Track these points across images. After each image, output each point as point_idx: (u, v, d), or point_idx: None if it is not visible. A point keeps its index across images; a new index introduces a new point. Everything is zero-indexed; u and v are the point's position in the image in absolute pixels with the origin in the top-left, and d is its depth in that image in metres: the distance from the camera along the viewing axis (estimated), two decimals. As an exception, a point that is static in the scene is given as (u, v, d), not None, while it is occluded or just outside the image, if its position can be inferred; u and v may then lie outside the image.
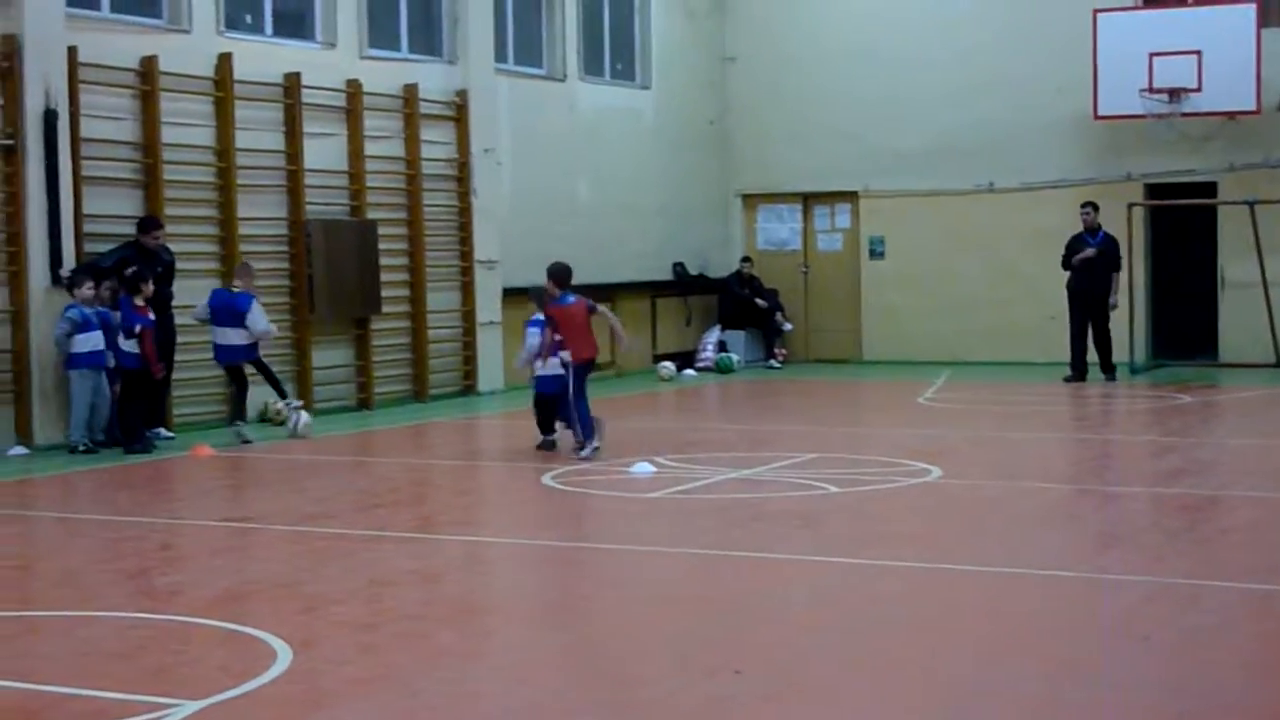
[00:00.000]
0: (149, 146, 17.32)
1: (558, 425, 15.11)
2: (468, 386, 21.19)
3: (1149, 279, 23.92)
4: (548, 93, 23.16)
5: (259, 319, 16.39)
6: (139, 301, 15.73)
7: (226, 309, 16.38)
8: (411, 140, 20.39)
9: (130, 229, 16.77)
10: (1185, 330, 24.31)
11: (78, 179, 16.46)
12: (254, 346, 16.54)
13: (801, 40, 25.95)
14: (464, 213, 21.25)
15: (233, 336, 16.39)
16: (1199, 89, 22.45)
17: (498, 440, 16.87)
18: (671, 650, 7.75)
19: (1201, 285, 23.91)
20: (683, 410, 20.71)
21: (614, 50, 24.83)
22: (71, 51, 16.46)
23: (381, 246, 19.77)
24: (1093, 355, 21.45)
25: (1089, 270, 21.32)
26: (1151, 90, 22.65)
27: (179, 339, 16.96)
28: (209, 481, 14.23)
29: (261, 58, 18.56)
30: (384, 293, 19.85)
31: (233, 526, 11.78)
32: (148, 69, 17.33)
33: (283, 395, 17.07)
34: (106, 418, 15.92)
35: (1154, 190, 23.87)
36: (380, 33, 20.44)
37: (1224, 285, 23.48)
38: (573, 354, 14.62)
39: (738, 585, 9.42)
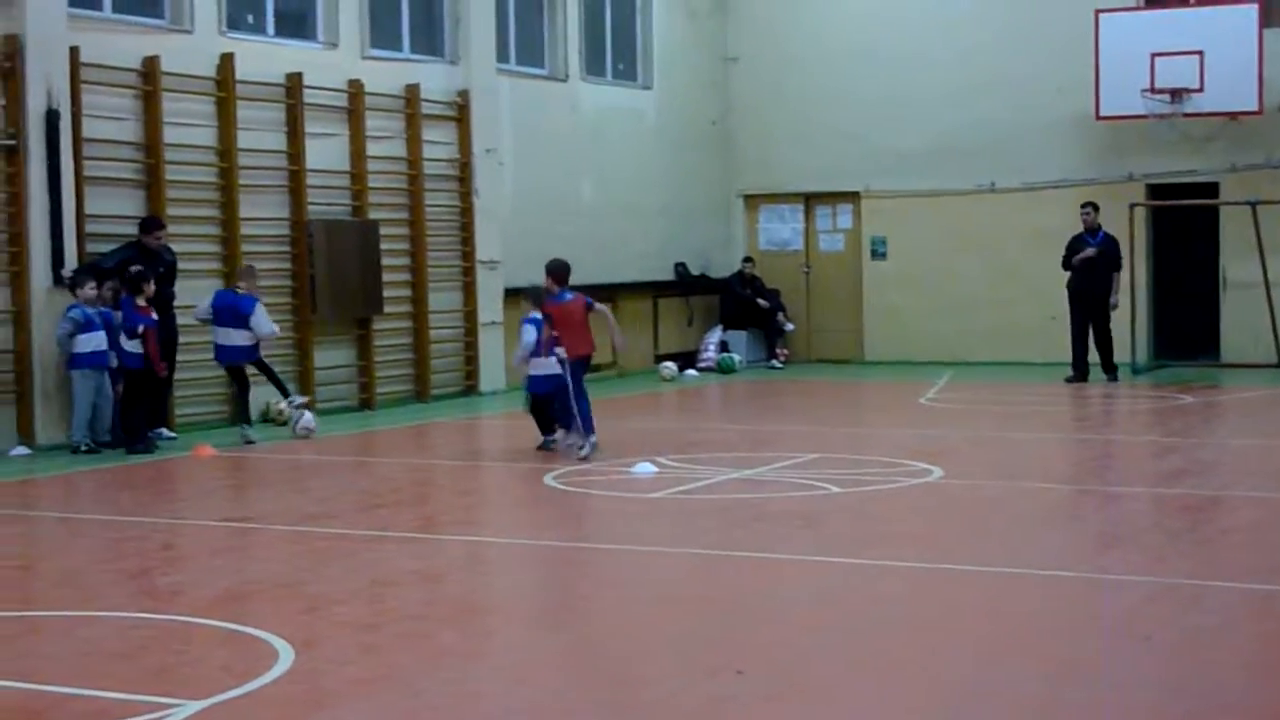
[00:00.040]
0: (151, 147, 17.32)
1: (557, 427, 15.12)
2: (469, 387, 21.19)
3: (1151, 279, 23.92)
4: (549, 93, 23.16)
5: (263, 322, 16.42)
6: (141, 301, 15.74)
7: (230, 310, 16.39)
8: (413, 140, 20.40)
9: (132, 229, 16.78)
10: (1187, 330, 24.30)
11: (80, 179, 16.47)
12: (255, 347, 16.55)
13: (803, 40, 25.95)
14: (466, 213, 21.26)
15: (235, 337, 16.40)
16: (1201, 89, 22.45)
17: (499, 440, 16.86)
18: (673, 650, 7.76)
19: (1203, 285, 23.91)
20: (684, 410, 20.71)
21: (616, 50, 24.83)
22: (73, 51, 16.47)
23: (383, 247, 19.77)
24: (1094, 355, 21.44)
25: (1089, 270, 21.32)
26: (1153, 90, 22.65)
27: (181, 339, 16.95)
28: (211, 481, 14.24)
29: (263, 58, 18.56)
30: (386, 293, 19.85)
31: (234, 526, 11.78)
32: (150, 69, 17.34)
33: (285, 394, 17.08)
34: (110, 418, 15.93)
35: (1156, 190, 23.87)
36: (382, 33, 20.44)
37: (1226, 286, 23.47)
38: (568, 350, 14.64)
39: (739, 585, 9.42)
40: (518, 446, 15.27)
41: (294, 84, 18.84)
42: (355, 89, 19.59)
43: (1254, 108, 22.45)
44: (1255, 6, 22.37)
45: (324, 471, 15.10)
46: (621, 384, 22.74)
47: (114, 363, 15.79)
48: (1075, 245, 21.53)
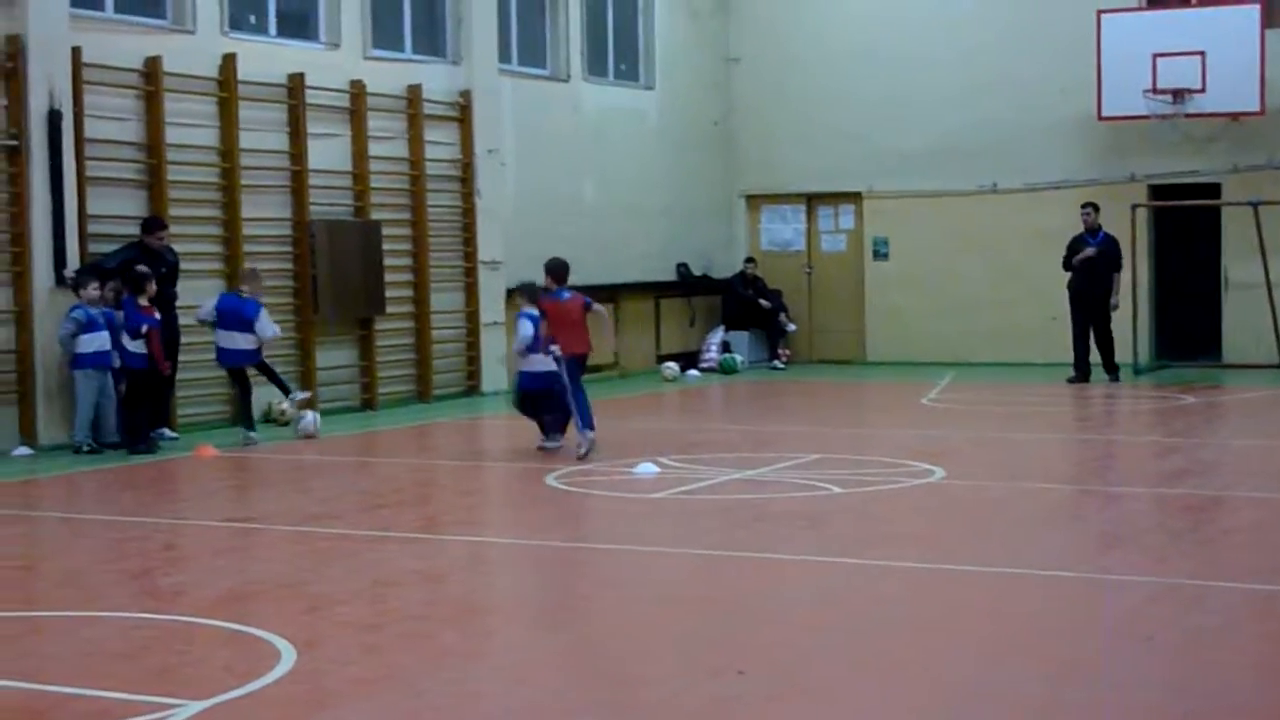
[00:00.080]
0: (153, 147, 17.33)
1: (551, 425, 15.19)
2: (471, 387, 21.19)
3: (1153, 280, 23.92)
4: (551, 93, 23.17)
5: (267, 326, 16.46)
6: (143, 301, 15.75)
7: (234, 314, 16.40)
8: (415, 141, 20.40)
9: (134, 229, 16.78)
10: (1189, 331, 24.30)
11: (82, 179, 16.47)
12: (258, 350, 16.57)
13: (805, 41, 25.95)
14: (468, 213, 21.26)
15: (239, 341, 16.41)
16: (1203, 90, 22.45)
17: (501, 441, 16.86)
18: (675, 651, 7.76)
19: (1205, 286, 23.90)
20: (686, 411, 20.71)
21: (618, 51, 24.84)
22: (76, 52, 16.47)
23: (385, 247, 19.77)
24: (1096, 356, 21.44)
25: (1090, 271, 21.31)
26: (1155, 91, 22.65)
27: (183, 339, 16.95)
28: (213, 482, 14.24)
29: (265, 58, 18.57)
30: (388, 293, 19.86)
31: (236, 527, 11.79)
32: (152, 69, 17.34)
33: (286, 392, 17.07)
34: (113, 419, 15.93)
35: (1157, 191, 23.86)
36: (384, 33, 20.45)
37: (1227, 286, 23.47)
38: (564, 349, 14.66)
39: (741, 586, 9.42)
40: (519, 447, 15.28)
41: (296, 84, 18.84)
42: (357, 89, 19.60)
43: (1256, 108, 22.45)
44: (1257, 7, 22.36)
45: (326, 472, 15.11)
46: (623, 384, 22.75)
47: (116, 363, 15.80)
48: (1075, 246, 21.53)
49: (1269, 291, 22.24)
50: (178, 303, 16.84)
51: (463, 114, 21.14)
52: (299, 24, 19.70)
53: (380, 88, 19.91)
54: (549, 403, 15.06)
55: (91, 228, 16.64)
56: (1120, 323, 21.69)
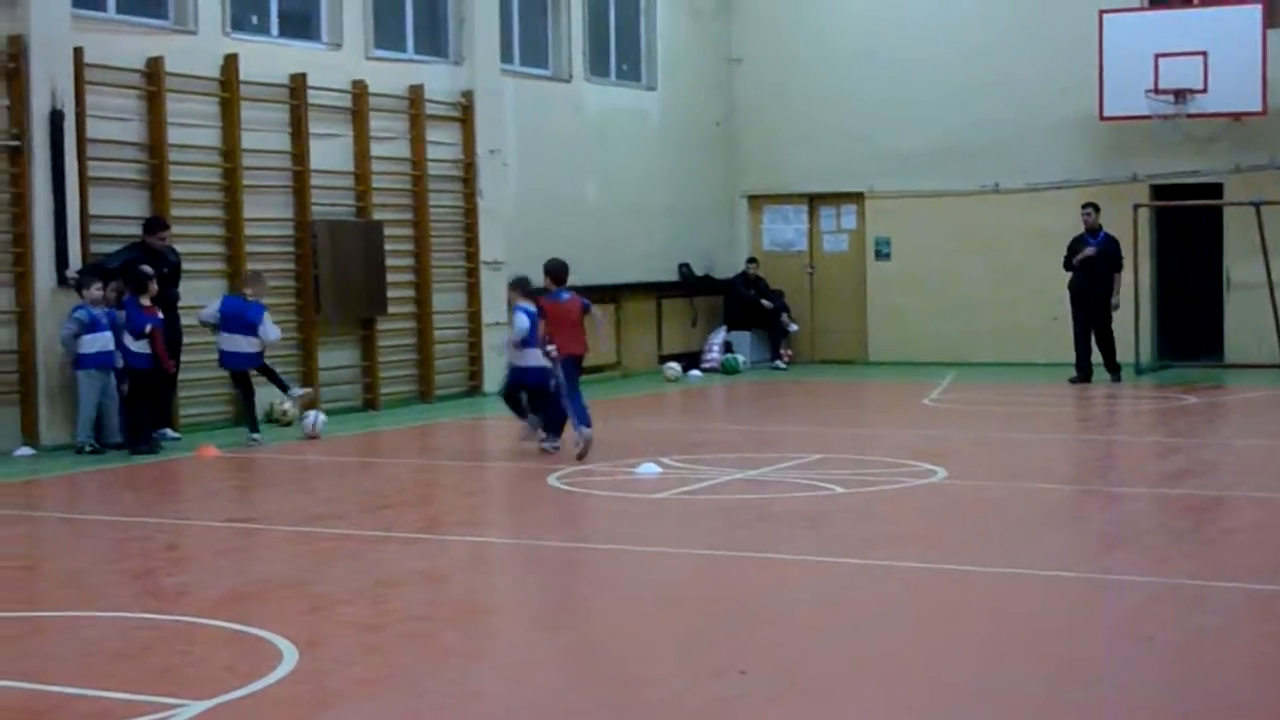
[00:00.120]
0: (155, 147, 17.34)
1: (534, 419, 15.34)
2: (473, 387, 21.19)
3: (1154, 280, 23.92)
4: (553, 93, 23.17)
5: (269, 329, 16.49)
6: (145, 301, 15.76)
7: (238, 317, 16.40)
8: (417, 141, 20.41)
9: (136, 230, 16.79)
10: (1190, 331, 24.29)
11: (84, 180, 16.48)
12: (260, 353, 16.57)
13: (807, 41, 25.96)
14: (470, 214, 21.27)
15: (242, 344, 16.41)
16: (1204, 90, 22.46)
17: (503, 441, 16.84)
18: (677, 651, 7.76)
19: (1207, 286, 23.91)
20: (688, 411, 20.71)
21: (620, 51, 24.85)
22: (77, 52, 16.48)
23: (387, 247, 19.78)
24: (1098, 356, 21.44)
25: (1090, 271, 21.31)
26: (1157, 91, 22.65)
27: (185, 339, 16.96)
28: (215, 482, 14.25)
29: (267, 58, 18.58)
30: (390, 293, 19.87)
31: (238, 527, 11.79)
32: (154, 70, 17.35)
33: (284, 389, 17.04)
34: (116, 419, 15.93)
35: (1159, 191, 23.87)
36: (386, 33, 20.45)
37: (1229, 286, 23.47)
38: (560, 349, 14.73)
39: (743, 586, 9.42)
40: (521, 447, 15.28)
41: (298, 85, 18.85)
42: (359, 89, 19.60)
43: (1258, 108, 22.45)
44: (1259, 7, 22.36)
45: (328, 472, 15.11)
46: (625, 384, 22.75)
47: (120, 363, 15.81)
48: (1076, 246, 21.53)
49: (1271, 291, 22.24)
50: (180, 303, 16.85)
51: (464, 114, 21.15)
52: (301, 24, 19.70)
53: (382, 88, 19.92)
54: (538, 398, 15.16)
55: (93, 228, 16.65)
56: (1122, 323, 21.69)
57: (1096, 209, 21.61)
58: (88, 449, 15.55)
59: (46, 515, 12.95)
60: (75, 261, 16.17)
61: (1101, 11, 23.17)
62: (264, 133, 18.52)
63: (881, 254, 25.83)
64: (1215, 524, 11.44)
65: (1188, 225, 24.36)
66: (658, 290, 25.02)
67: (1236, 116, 22.81)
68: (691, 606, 8.92)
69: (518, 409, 15.39)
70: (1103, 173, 23.97)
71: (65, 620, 8.76)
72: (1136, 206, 22.64)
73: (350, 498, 13.13)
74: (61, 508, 13.39)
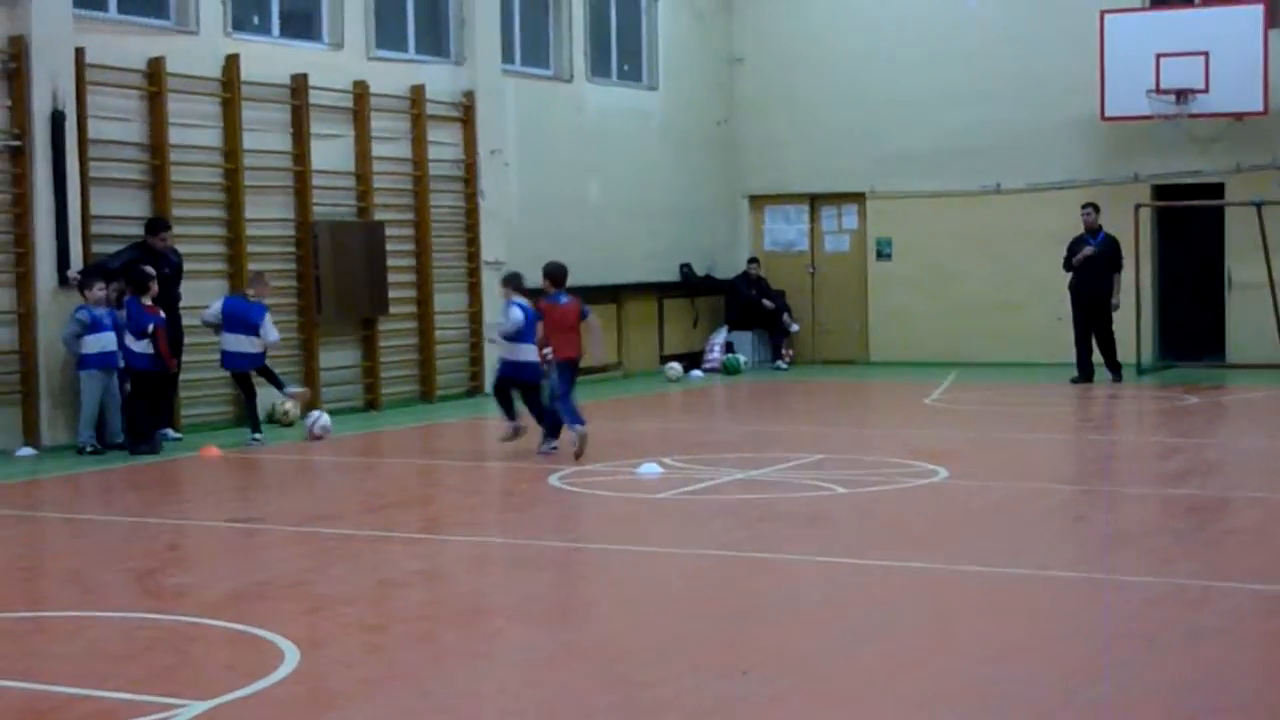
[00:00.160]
0: (156, 148, 17.34)
1: (522, 416, 15.41)
2: (475, 387, 21.19)
3: (1156, 280, 23.92)
4: (555, 94, 23.17)
5: (270, 330, 16.51)
6: (147, 301, 15.77)
7: (240, 318, 16.41)
8: (418, 141, 20.41)
9: (137, 230, 16.79)
10: (1192, 331, 24.29)
11: (85, 180, 16.48)
12: (262, 354, 16.58)
13: (809, 41, 25.96)
14: (471, 214, 21.27)
15: (244, 344, 16.42)
16: (1206, 90, 22.46)
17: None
18: (679, 651, 7.75)
19: (1208, 286, 23.91)
20: (690, 411, 20.70)
21: (621, 51, 24.84)
22: (79, 53, 16.48)
23: (389, 248, 19.78)
24: (1099, 356, 21.43)
25: (1090, 271, 21.31)
26: (1159, 91, 22.65)
27: (187, 340, 16.96)
28: (216, 482, 14.25)
29: (268, 59, 18.58)
30: (391, 294, 19.87)
31: (240, 527, 11.79)
32: (155, 70, 17.35)
33: (280, 386, 17.02)
34: (118, 419, 15.93)
35: (1161, 191, 23.87)
36: (387, 34, 20.45)
37: (1231, 286, 23.46)
38: (555, 352, 14.83)
39: (745, 586, 9.42)
40: (523, 447, 15.28)
41: (299, 85, 18.85)
42: (360, 90, 19.60)
43: (1259, 108, 22.45)
44: (1260, 7, 22.36)
45: (330, 472, 15.12)
46: (627, 385, 22.76)
47: (121, 363, 15.81)
48: (1076, 246, 21.54)
49: (1272, 291, 22.23)
50: (181, 303, 16.85)
51: (466, 114, 21.15)
52: (302, 24, 19.70)
53: (383, 88, 19.92)
54: (529, 395, 15.30)
55: (95, 228, 16.66)
56: (1124, 323, 21.68)
57: (1096, 209, 21.60)
58: (89, 449, 15.55)
59: (48, 515, 12.95)
60: (76, 262, 16.18)
61: (1103, 11, 23.17)
62: (265, 133, 18.53)
63: (883, 254, 25.83)
64: (1218, 524, 11.43)
65: (1189, 225, 24.36)
66: (659, 290, 25.02)
67: (1238, 116, 22.81)
68: (693, 607, 8.91)
69: (507, 406, 15.42)
70: (1104, 173, 23.96)
71: (67, 620, 8.76)
72: (1138, 206, 22.64)
73: (352, 498, 13.13)
74: (63, 508, 13.38)
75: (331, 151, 19.26)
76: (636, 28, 25.16)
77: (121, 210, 17.02)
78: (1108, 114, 23.28)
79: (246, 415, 16.73)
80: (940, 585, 9.28)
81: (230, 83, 18.06)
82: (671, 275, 25.37)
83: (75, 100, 16.34)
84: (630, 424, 17.98)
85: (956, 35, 24.85)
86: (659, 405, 20.85)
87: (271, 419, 17.68)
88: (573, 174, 23.33)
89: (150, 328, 15.68)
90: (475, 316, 21.22)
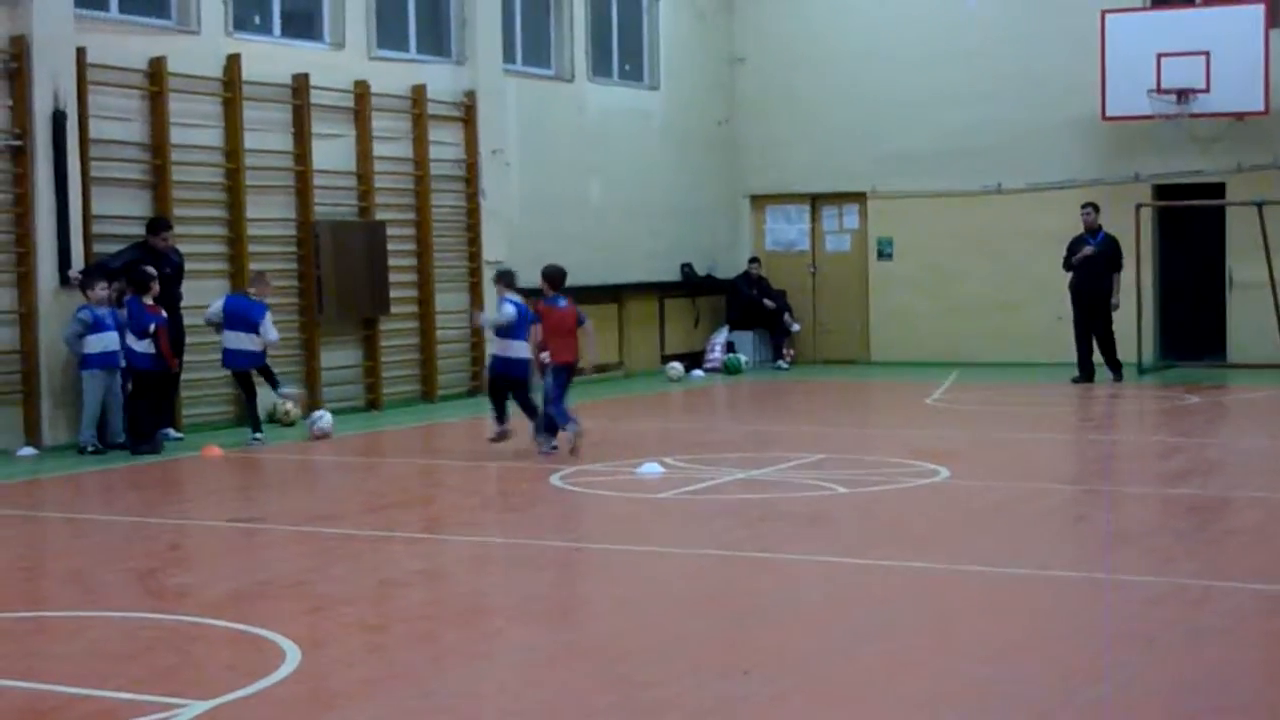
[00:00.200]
0: (157, 147, 17.34)
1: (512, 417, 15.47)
2: (475, 387, 21.17)
3: (1157, 279, 23.92)
4: (556, 93, 23.18)
5: (269, 329, 16.50)
6: (148, 301, 15.77)
7: (241, 315, 16.42)
8: (420, 141, 20.41)
9: (139, 230, 16.80)
10: (1193, 331, 24.30)
11: (86, 180, 16.48)
12: (262, 353, 16.58)
13: (810, 41, 25.97)
14: (472, 214, 21.27)
15: (245, 342, 16.43)
16: (1207, 90, 22.46)
17: (506, 441, 16.83)
18: (680, 651, 7.75)
19: (1209, 286, 23.91)
20: (691, 411, 20.70)
21: (622, 51, 24.85)
22: (80, 52, 16.49)
23: (390, 247, 19.79)
24: (1099, 356, 21.44)
25: (1090, 270, 21.31)
26: (1160, 91, 22.65)
27: (188, 339, 16.96)
28: (218, 482, 14.25)
29: (270, 59, 18.58)
30: (392, 293, 19.88)
31: (241, 527, 11.79)
32: (156, 70, 17.35)
33: (275, 385, 17.00)
34: (119, 419, 15.93)
35: (1162, 191, 23.87)
36: (388, 33, 20.45)
37: (1232, 285, 23.46)
38: (553, 356, 14.90)
39: (746, 586, 9.42)
40: (524, 447, 15.28)
41: (300, 85, 18.85)
42: (361, 90, 19.60)
43: (1260, 108, 22.45)
44: (1261, 7, 22.36)
45: (331, 472, 15.13)
46: (628, 384, 22.76)
47: (123, 363, 15.82)
48: (1075, 246, 21.54)
49: (1273, 291, 22.23)
50: (183, 303, 16.85)
51: (467, 114, 21.15)
52: (303, 24, 19.71)
53: (384, 88, 19.92)
54: (516, 392, 15.39)
55: (96, 228, 16.67)
56: (1124, 322, 21.68)
57: (1096, 209, 21.61)
58: (90, 449, 15.55)
59: (49, 515, 12.95)
60: (78, 262, 16.18)
61: (1104, 11, 23.16)
62: (266, 133, 18.53)
63: (884, 254, 25.83)
64: (1218, 524, 11.43)
65: (1190, 225, 24.36)
66: (660, 290, 25.02)
67: (1239, 116, 22.81)
68: (694, 606, 8.92)
69: (500, 408, 15.45)
70: (1105, 172, 23.96)
71: (68, 620, 8.76)
72: (1139, 206, 22.63)
73: (353, 497, 13.13)
74: (64, 508, 13.38)
75: (333, 151, 19.26)
76: (638, 28, 25.16)
77: (123, 210, 17.02)
78: (1109, 114, 23.28)
79: (247, 415, 16.74)
80: (941, 585, 9.28)
81: (231, 82, 18.07)
82: (673, 275, 25.37)
83: (76, 100, 16.35)
84: (631, 424, 17.99)
85: (957, 35, 24.85)
86: (660, 405, 20.85)
87: (272, 419, 17.68)
88: (574, 174, 23.34)
89: (152, 327, 15.70)
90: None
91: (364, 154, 19.62)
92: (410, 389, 20.43)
